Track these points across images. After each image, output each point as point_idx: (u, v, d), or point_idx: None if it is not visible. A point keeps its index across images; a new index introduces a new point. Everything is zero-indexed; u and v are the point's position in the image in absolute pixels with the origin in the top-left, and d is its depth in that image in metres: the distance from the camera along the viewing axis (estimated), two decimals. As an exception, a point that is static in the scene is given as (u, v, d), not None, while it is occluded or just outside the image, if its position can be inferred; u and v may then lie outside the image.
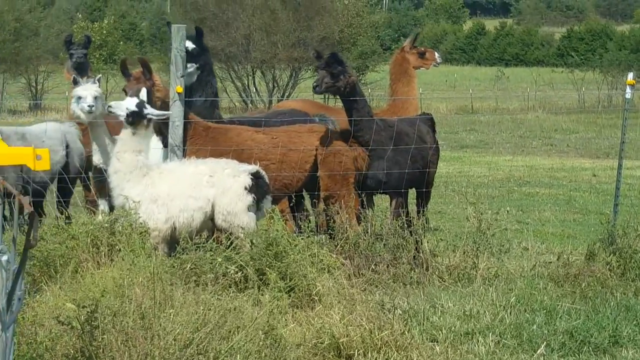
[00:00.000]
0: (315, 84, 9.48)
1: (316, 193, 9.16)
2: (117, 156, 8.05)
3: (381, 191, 9.61)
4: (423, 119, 10.19)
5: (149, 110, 8.07)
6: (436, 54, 12.37)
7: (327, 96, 42.95)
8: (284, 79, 46.03)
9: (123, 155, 8.00)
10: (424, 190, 9.91)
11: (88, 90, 9.07)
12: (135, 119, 7.99)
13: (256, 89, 46.60)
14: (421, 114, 10.58)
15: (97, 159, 9.24)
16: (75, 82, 9.28)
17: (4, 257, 2.58)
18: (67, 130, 9.86)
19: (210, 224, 8.02)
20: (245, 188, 7.96)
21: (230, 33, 44.16)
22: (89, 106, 8.94)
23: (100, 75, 9.95)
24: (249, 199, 7.95)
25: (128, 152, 7.99)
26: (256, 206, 8.01)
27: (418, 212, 9.84)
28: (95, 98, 9.03)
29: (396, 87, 11.88)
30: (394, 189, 9.45)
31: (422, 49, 12.15)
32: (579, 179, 18.86)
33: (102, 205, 9.47)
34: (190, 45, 9.25)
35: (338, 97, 9.67)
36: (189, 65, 9.11)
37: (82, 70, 10.77)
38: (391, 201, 9.54)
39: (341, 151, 9.15)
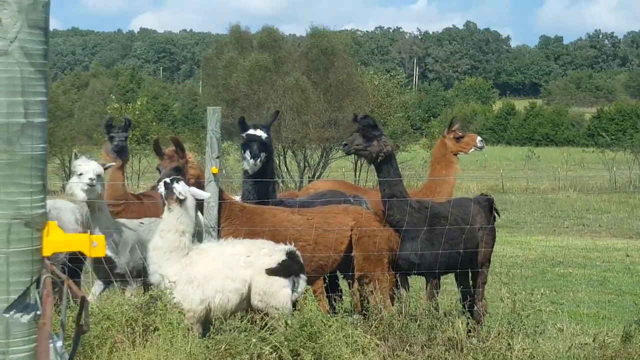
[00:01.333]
0: (345, 142, 9.49)
1: (350, 273, 9.17)
2: (161, 234, 8.01)
3: (415, 272, 9.60)
4: (477, 200, 10.14)
5: (180, 188, 7.99)
6: (478, 138, 12.37)
7: (358, 176, 43.08)
8: (315, 158, 46.22)
9: (167, 234, 7.98)
10: (474, 270, 9.85)
11: (90, 166, 8.84)
12: (167, 195, 8.02)
13: (287, 169, 46.81)
14: (480, 195, 10.50)
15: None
16: (76, 157, 9.02)
17: (59, 344, 2.61)
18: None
19: (245, 305, 8.02)
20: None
21: (262, 113, 44.56)
22: (90, 179, 8.69)
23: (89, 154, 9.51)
24: (285, 278, 7.96)
25: (171, 232, 7.96)
26: (292, 286, 8.00)
27: (474, 293, 9.73)
28: (98, 176, 8.79)
29: (434, 170, 11.98)
30: (428, 270, 9.43)
31: (460, 134, 12.16)
32: (612, 259, 18.72)
33: (98, 286, 9.21)
34: (263, 134, 9.37)
35: (371, 164, 9.60)
36: (261, 154, 9.23)
37: (122, 153, 10.81)
38: (426, 283, 9.53)
39: (375, 231, 9.18)
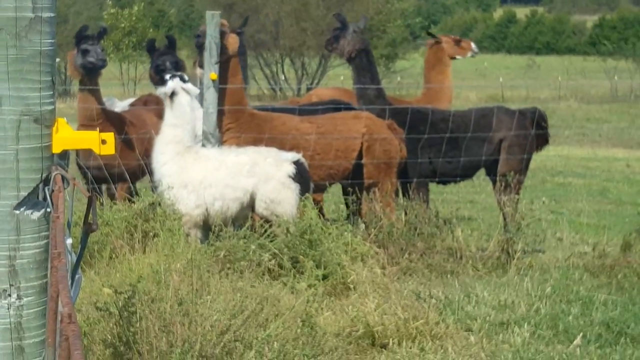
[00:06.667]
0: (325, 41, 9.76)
1: (360, 181, 9.09)
2: (161, 130, 8.15)
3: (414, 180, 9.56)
4: (503, 110, 10.06)
5: (171, 84, 8.02)
6: (472, 44, 12.29)
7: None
8: (313, 66, 45.93)
9: (164, 128, 8.09)
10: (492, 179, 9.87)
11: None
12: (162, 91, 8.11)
13: (285, 77, 46.53)
14: (531, 109, 10.33)
15: None
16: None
17: (69, 241, 2.59)
18: None
19: (247, 212, 8.01)
20: (290, 176, 7.93)
21: (259, 19, 44.09)
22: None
23: (58, 60, 9.39)
24: (294, 186, 7.93)
25: (167, 126, 8.05)
26: (299, 194, 7.97)
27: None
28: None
29: (430, 75, 11.79)
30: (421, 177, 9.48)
31: (458, 38, 12.08)
32: (613, 169, 18.69)
33: None
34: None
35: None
36: None
37: (93, 71, 9.18)
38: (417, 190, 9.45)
39: (387, 139, 9.06)
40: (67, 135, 2.92)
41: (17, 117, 2.84)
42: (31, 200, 2.84)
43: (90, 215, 2.55)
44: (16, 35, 2.82)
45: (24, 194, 2.84)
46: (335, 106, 9.81)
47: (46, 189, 2.83)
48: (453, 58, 11.95)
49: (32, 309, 2.90)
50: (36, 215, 2.86)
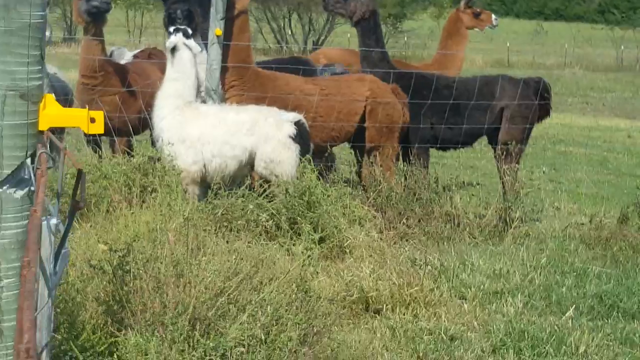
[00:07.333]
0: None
1: (361, 144, 9.05)
2: (162, 83, 8.14)
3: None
4: (507, 79, 10.01)
5: (173, 39, 8.01)
6: (493, 16, 12.25)
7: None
8: (321, 22, 45.64)
9: (164, 83, 8.08)
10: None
11: None
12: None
13: (292, 32, 46.28)
14: (535, 78, 10.27)
15: None
16: None
17: (53, 221, 2.53)
18: None
19: (246, 171, 8.01)
20: (290, 137, 7.91)
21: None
22: None
23: None
24: (294, 147, 7.92)
25: (168, 80, 8.04)
26: (299, 155, 7.96)
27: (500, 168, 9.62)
28: None
29: (445, 44, 11.85)
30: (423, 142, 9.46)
31: (478, 10, 12.03)
32: (614, 139, 18.66)
33: None
34: None
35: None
36: None
37: (98, 16, 8.90)
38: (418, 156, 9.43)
39: (390, 103, 9.02)
40: (54, 113, 2.83)
41: (3, 92, 2.73)
42: (15, 178, 2.76)
43: (79, 192, 2.50)
44: (4, 6, 2.71)
45: (7, 172, 2.74)
46: (295, 67, 9.68)
47: (31, 167, 2.76)
48: (471, 29, 11.97)
49: (12, 290, 2.79)
50: (19, 194, 2.76)
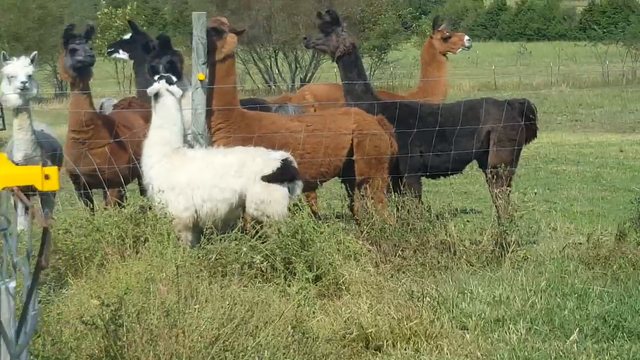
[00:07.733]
0: (305, 36, 9.53)
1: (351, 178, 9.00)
2: (149, 131, 8.10)
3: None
4: (491, 102, 9.97)
5: (156, 85, 8.01)
6: (465, 37, 12.26)
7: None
8: (307, 59, 45.85)
9: (151, 130, 8.05)
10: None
11: (20, 68, 8.40)
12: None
13: (279, 70, 46.47)
14: (520, 99, 10.21)
15: (19, 157, 8.38)
16: (5, 59, 8.47)
17: (12, 284, 2.45)
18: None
19: (238, 213, 7.96)
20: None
21: (252, 15, 43.99)
22: (22, 82, 8.27)
23: (35, 52, 8.88)
24: (283, 186, 7.86)
25: (154, 128, 8.01)
26: (288, 193, 7.89)
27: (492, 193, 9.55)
28: (29, 77, 8.37)
29: (426, 72, 11.90)
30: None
31: (447, 33, 12.01)
32: (606, 154, 18.63)
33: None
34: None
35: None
36: None
37: (84, 70, 8.88)
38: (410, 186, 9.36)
39: (377, 135, 8.98)
40: (6, 172, 2.75)
41: None
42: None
43: (44, 251, 2.43)
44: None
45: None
46: (252, 105, 9.73)
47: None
48: (444, 53, 11.98)
49: None
50: None
